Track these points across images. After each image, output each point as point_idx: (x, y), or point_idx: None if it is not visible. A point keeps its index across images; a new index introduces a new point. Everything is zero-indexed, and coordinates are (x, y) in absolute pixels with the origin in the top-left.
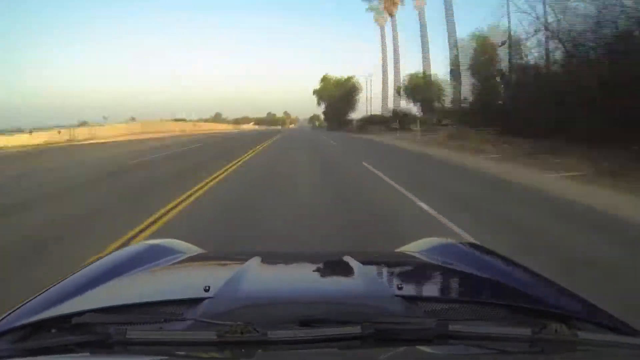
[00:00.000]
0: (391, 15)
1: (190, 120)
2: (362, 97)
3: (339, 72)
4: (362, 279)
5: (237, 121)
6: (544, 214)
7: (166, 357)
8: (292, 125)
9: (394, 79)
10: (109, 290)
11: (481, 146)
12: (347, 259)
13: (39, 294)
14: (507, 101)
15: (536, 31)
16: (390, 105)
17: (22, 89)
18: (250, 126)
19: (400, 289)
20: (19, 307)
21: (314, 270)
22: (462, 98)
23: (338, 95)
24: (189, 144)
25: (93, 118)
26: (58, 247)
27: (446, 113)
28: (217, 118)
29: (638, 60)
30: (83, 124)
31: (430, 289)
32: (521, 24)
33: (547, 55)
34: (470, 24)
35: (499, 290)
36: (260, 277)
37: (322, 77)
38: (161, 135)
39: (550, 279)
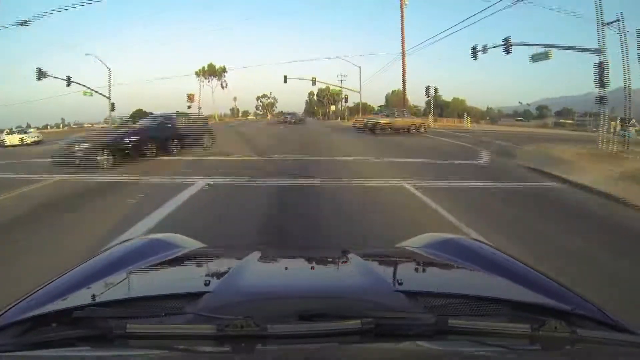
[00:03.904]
0: None
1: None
2: None
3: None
4: (362, 274)
5: None
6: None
7: (166, 351)
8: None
9: None
10: (109, 284)
11: None
12: (347, 254)
13: (40, 288)
14: None
15: None
16: None
17: None
18: None
19: (400, 284)
20: (20, 301)
21: (313, 265)
22: None
23: None
24: None
25: None
26: None
27: None
28: None
29: None
30: None
31: (430, 285)
32: None
33: None
34: None
35: (498, 286)
36: (260, 272)
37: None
38: None
39: (550, 275)
